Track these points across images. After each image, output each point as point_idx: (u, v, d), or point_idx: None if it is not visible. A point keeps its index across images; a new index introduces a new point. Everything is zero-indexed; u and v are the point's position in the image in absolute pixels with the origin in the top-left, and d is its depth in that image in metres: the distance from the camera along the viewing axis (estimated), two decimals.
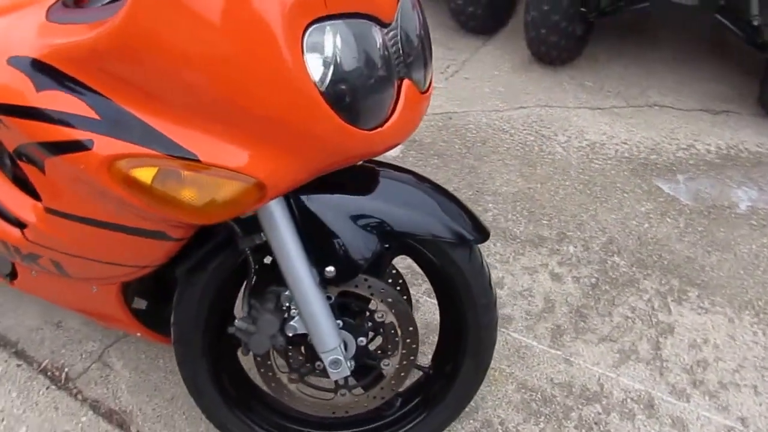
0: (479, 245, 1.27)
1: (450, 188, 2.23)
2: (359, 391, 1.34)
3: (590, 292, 1.87)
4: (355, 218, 1.13)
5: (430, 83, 1.11)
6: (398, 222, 1.15)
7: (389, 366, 1.30)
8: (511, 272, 1.93)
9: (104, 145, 0.89)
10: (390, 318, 1.26)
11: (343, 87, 0.88)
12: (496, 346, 1.69)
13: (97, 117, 0.89)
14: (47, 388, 1.62)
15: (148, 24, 0.80)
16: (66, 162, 0.94)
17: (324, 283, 1.15)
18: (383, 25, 0.94)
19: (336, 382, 1.31)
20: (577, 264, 1.96)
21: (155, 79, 0.86)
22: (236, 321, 1.20)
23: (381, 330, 1.28)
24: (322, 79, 0.86)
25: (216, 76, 0.83)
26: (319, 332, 1.17)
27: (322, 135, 0.90)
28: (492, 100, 2.78)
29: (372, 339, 1.31)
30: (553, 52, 2.85)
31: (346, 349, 1.25)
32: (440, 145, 2.51)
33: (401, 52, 0.98)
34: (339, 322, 1.23)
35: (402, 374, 1.31)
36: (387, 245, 1.21)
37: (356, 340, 1.25)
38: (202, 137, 0.89)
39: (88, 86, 0.90)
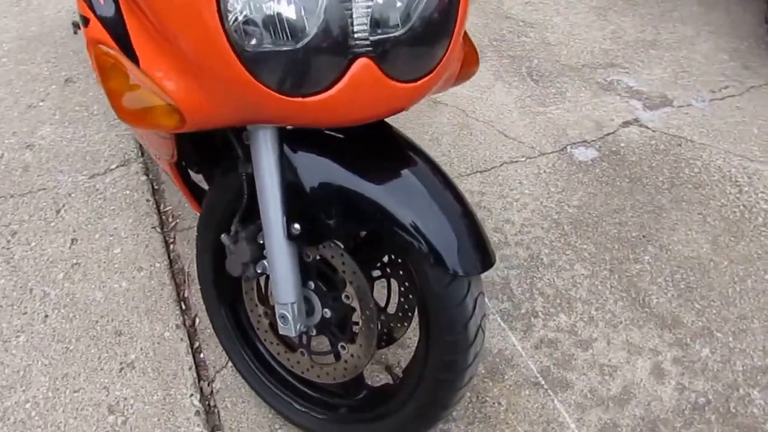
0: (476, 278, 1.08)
1: (615, 219, 1.91)
2: (321, 359, 1.29)
3: (685, 412, 1.45)
4: (339, 190, 1.05)
5: (426, 78, 0.95)
6: (381, 213, 1.03)
7: (345, 351, 1.21)
8: (609, 339, 1.60)
9: (94, 27, 0.97)
10: (355, 304, 1.16)
11: (254, 42, 0.82)
12: (530, 404, 1.46)
13: (101, 2, 0.96)
14: (153, 227, 1.87)
15: None
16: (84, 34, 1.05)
17: (293, 237, 1.10)
18: None
19: (299, 340, 1.28)
20: (697, 372, 1.53)
21: None
22: (222, 235, 1.22)
23: (342, 311, 1.19)
24: (235, 29, 0.81)
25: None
26: (276, 281, 1.14)
27: (229, 83, 0.86)
28: (749, 144, 2.21)
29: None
30: None
31: (313, 313, 1.21)
32: (643, 168, 2.11)
33: (368, 29, 0.85)
34: (311, 283, 1.18)
35: (356, 366, 1.21)
36: (365, 231, 1.11)
37: (323, 310, 1.19)
38: (153, 51, 0.92)
39: None
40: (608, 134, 2.27)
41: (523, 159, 2.16)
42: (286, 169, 1.07)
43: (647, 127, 2.30)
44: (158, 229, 1.87)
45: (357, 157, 1.07)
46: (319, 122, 0.95)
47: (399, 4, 0.87)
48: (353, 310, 1.18)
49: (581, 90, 2.49)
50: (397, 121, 2.31)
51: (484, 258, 1.05)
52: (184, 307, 1.68)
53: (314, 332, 1.23)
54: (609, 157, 2.16)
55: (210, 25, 0.80)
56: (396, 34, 0.87)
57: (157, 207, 1.95)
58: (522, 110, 2.38)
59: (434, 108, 2.37)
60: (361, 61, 0.86)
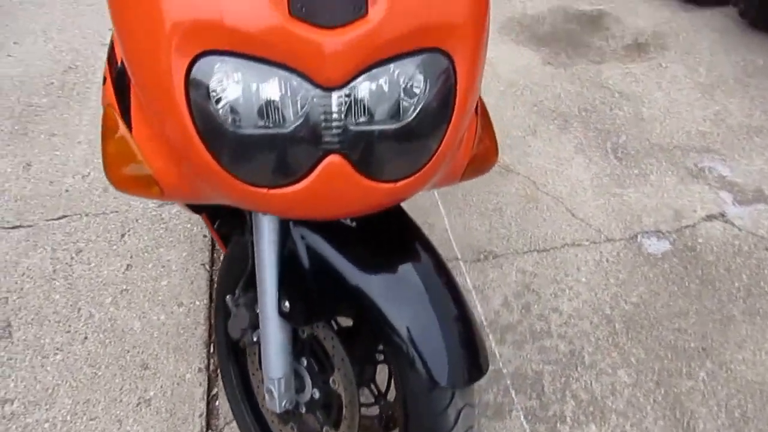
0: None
1: (674, 324, 1.75)
2: None
3: None
4: (333, 276, 1.02)
5: (407, 180, 0.89)
6: (372, 307, 1.00)
7: None
8: None
9: (108, 88, 1.02)
10: (341, 390, 1.12)
11: (218, 130, 0.79)
12: None
13: (118, 63, 1.00)
14: (202, 264, 1.93)
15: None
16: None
17: (283, 314, 1.09)
18: (320, 86, 0.78)
19: (292, 413, 1.26)
20: None
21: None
22: (228, 296, 1.23)
23: (330, 395, 1.16)
24: (200, 112, 0.79)
25: (134, 70, 0.85)
26: (265, 355, 1.13)
27: (195, 164, 0.84)
28: None
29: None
30: None
31: (303, 390, 1.19)
32: (718, 270, 1.92)
33: (341, 125, 0.80)
34: (304, 360, 1.16)
35: None
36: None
37: (312, 389, 1.17)
38: (142, 122, 0.93)
39: None
40: (687, 227, 2.10)
41: (586, 243, 2.04)
42: (287, 243, 1.06)
43: (733, 224, 2.10)
44: (207, 267, 1.93)
45: (358, 244, 1.05)
46: (287, 214, 0.92)
47: (379, 101, 0.81)
48: (340, 395, 1.15)
49: (667, 174, 2.32)
50: (463, 185, 2.26)
51: (473, 369, 0.99)
52: (211, 350, 1.71)
53: (303, 410, 1.21)
54: (682, 253, 1.99)
55: (179, 108, 0.79)
56: (373, 131, 0.82)
57: (212, 244, 2.02)
58: (597, 189, 2.26)
59: (504, 176, 2.30)
60: (333, 158, 0.81)
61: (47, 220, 2.08)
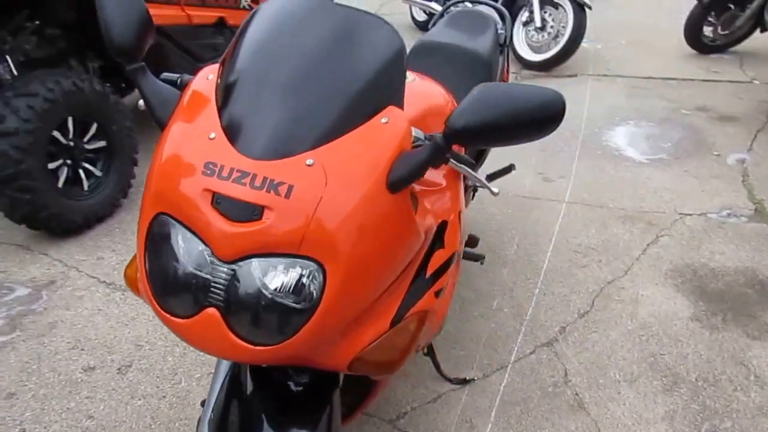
0: None
1: None
2: None
3: None
4: (249, 416, 1.33)
5: (269, 347, 1.12)
6: None
7: None
8: None
9: None
10: None
11: (153, 264, 1.17)
12: None
13: None
14: None
15: None
16: None
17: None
18: (217, 258, 1.11)
19: None
20: None
21: None
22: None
23: None
24: (149, 248, 1.18)
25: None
26: None
27: (143, 281, 1.20)
28: None
29: None
30: None
31: None
32: None
33: (223, 288, 1.10)
34: None
35: None
36: None
37: None
38: None
39: None
40: None
41: None
42: (237, 368, 1.39)
43: None
44: None
45: (282, 398, 1.34)
46: (181, 338, 1.20)
47: (253, 282, 1.10)
48: None
49: None
50: (528, 402, 2.31)
51: None
52: None
53: None
54: None
55: (141, 242, 1.18)
56: (242, 301, 1.10)
57: None
58: None
59: (573, 410, 2.30)
60: (211, 310, 1.12)
61: None
